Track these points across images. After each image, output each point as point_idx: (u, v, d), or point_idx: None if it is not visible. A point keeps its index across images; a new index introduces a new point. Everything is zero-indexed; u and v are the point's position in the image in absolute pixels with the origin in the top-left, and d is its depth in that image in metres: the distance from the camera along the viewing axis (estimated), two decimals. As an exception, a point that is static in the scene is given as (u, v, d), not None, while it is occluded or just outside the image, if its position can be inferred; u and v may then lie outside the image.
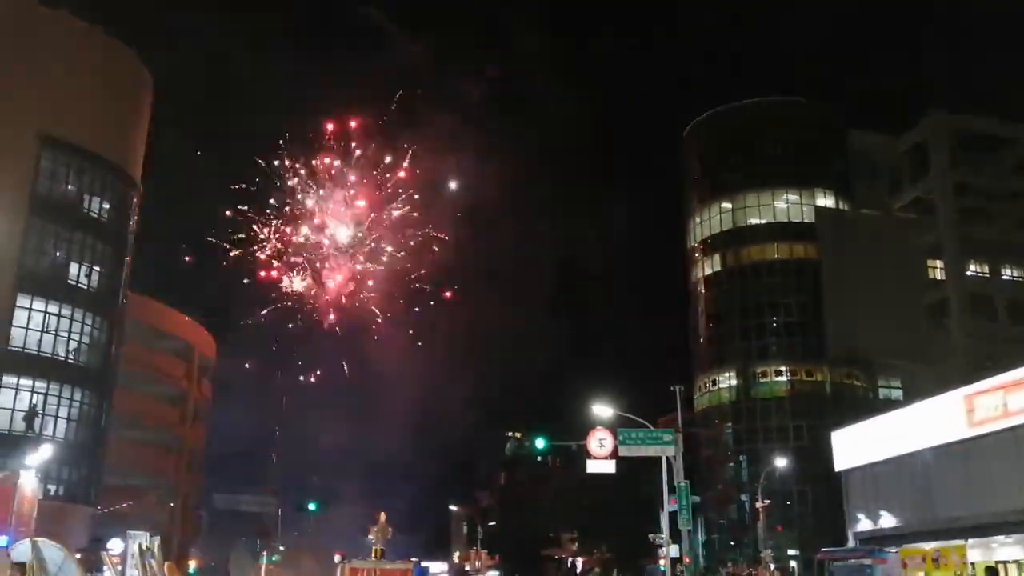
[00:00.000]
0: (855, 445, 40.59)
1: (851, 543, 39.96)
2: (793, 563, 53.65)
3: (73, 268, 41.42)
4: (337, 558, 13.28)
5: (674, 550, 29.89)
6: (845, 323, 59.16)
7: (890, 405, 50.92)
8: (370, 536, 10.36)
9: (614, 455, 27.76)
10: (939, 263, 62.11)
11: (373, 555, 10.24)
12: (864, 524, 39.86)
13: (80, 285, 41.47)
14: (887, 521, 35.52)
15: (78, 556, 27.74)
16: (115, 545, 32.30)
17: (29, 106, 39.25)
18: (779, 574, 24.08)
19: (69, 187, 42.12)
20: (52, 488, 37.99)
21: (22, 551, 12.77)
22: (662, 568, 31.48)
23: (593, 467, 28.68)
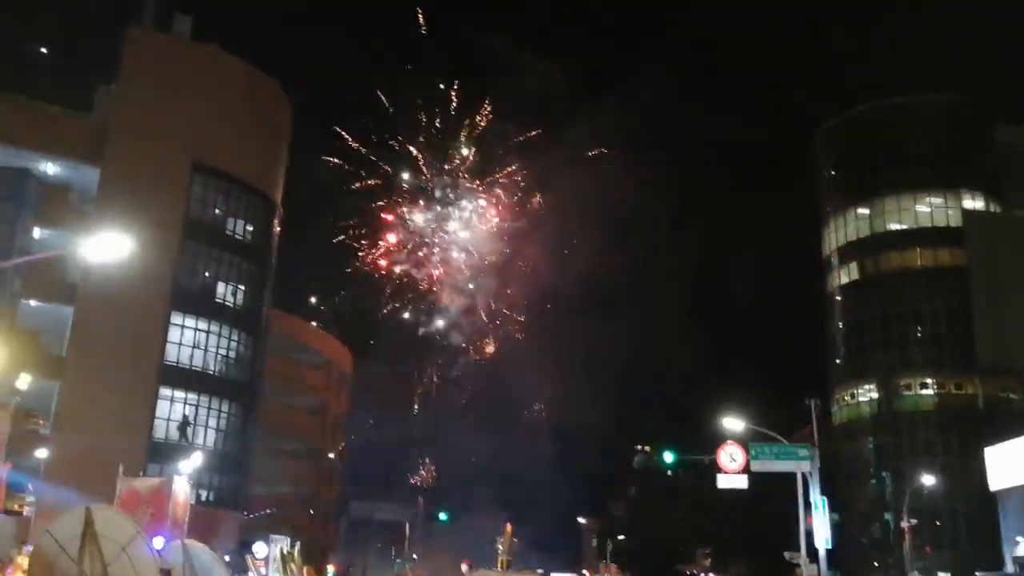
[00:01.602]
0: (1013, 462, 38.13)
1: (1009, 568, 37.55)
2: (945, 586, 50.71)
3: (220, 287, 44.03)
4: (465, 568, 13.45)
5: (812, 569, 28.78)
6: (998, 332, 55.47)
7: (1052, 420, 47.47)
8: (497, 546, 10.48)
9: (746, 470, 27.03)
10: (1104, 266, 57.37)
11: (499, 565, 10.35)
12: None
13: (227, 303, 44.05)
14: (1049, 545, 33.15)
15: (227, 559, 29.38)
16: (259, 549, 34.00)
17: (183, 135, 42.04)
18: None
19: (217, 211, 44.84)
20: (204, 494, 40.36)
21: (174, 552, 13.70)
22: (800, 588, 30.34)
23: (724, 482, 27.99)
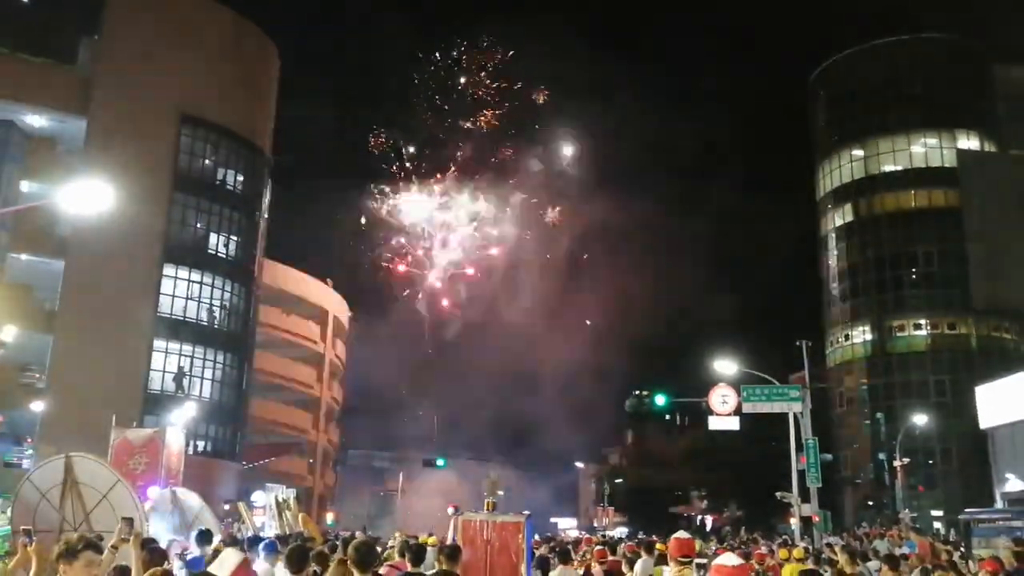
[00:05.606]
0: (1003, 401, 38.51)
1: (999, 504, 38.10)
2: (937, 524, 51.41)
3: (212, 238, 43.81)
4: (450, 510, 13.60)
5: (806, 509, 29.15)
6: (993, 273, 55.61)
7: (1043, 359, 47.79)
8: (483, 490, 10.57)
9: (737, 412, 27.22)
10: (1099, 205, 57.22)
11: (485, 508, 10.46)
12: (1013, 484, 37.91)
13: (219, 254, 43.86)
14: (1038, 481, 33.59)
15: (226, 507, 29.69)
16: (259, 498, 34.37)
17: (169, 86, 41.39)
18: (913, 535, 23.03)
19: (206, 162, 44.39)
20: (201, 444, 40.70)
21: (163, 500, 13.82)
22: (793, 528, 30.82)
23: (716, 423, 28.25)
